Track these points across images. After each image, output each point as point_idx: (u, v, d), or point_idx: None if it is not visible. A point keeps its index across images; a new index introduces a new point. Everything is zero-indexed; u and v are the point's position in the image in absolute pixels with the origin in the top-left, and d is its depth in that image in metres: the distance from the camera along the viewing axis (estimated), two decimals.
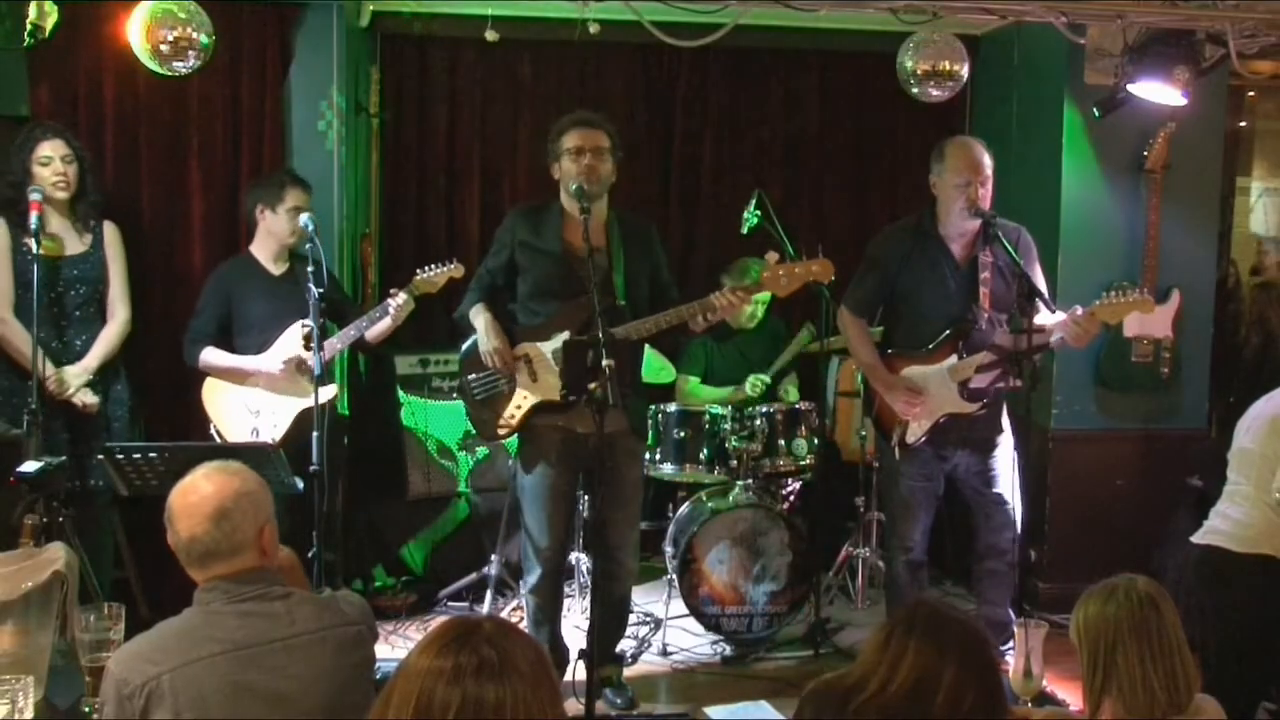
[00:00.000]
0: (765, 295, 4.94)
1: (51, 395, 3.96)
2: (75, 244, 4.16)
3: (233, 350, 4.19)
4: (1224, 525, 3.47)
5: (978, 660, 1.87)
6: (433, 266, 4.09)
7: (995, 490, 4.01)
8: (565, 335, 3.66)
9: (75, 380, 4.06)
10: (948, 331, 3.93)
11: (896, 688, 1.84)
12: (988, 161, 3.88)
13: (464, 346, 3.91)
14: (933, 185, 3.98)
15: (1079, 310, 3.77)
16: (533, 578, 3.88)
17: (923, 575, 4.19)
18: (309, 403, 4.07)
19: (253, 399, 4.18)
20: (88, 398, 4.09)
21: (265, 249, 4.26)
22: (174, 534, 2.17)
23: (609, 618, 3.95)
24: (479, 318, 3.80)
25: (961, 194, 3.84)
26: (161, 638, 2.09)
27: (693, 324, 3.67)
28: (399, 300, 4.05)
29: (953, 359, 3.91)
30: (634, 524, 3.98)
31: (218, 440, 4.20)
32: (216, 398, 4.22)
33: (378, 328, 4.13)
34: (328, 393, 4.10)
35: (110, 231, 4.24)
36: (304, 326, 3.97)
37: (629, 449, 3.83)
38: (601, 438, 3.22)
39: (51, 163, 4.04)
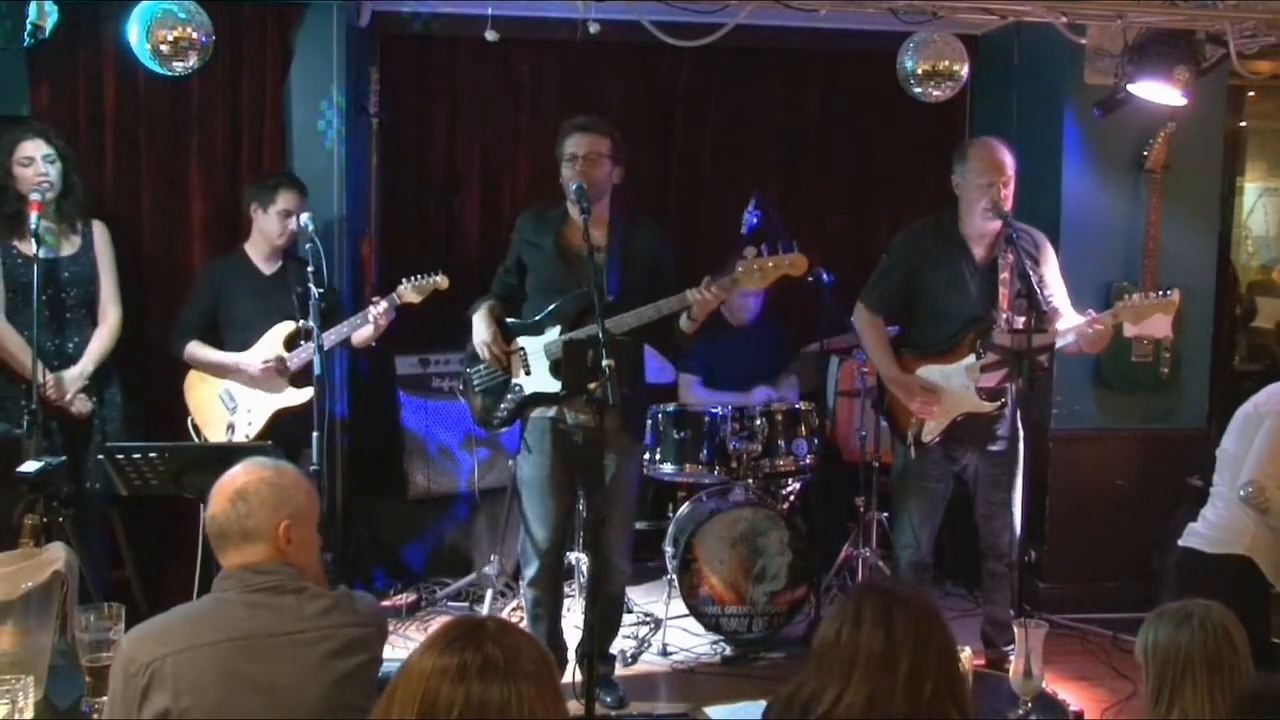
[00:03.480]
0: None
1: (48, 400, 3.93)
2: (64, 245, 4.13)
3: (219, 346, 4.22)
4: (1201, 527, 3.51)
5: (932, 644, 1.84)
6: (418, 277, 4.09)
7: (1002, 493, 4.01)
8: (557, 329, 3.75)
9: (72, 385, 4.04)
10: (966, 331, 3.94)
11: (851, 698, 1.80)
12: (1010, 162, 3.90)
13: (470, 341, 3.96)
14: (955, 186, 3.99)
15: (1091, 313, 3.82)
16: (531, 570, 3.88)
17: (927, 576, 4.21)
18: (286, 401, 4.14)
19: (231, 395, 4.22)
20: (84, 405, 4.07)
21: (257, 248, 4.28)
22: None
23: (602, 617, 3.96)
24: (477, 313, 3.89)
25: (984, 195, 3.85)
26: (172, 620, 2.11)
27: (683, 324, 3.69)
28: (379, 309, 4.06)
29: (971, 359, 3.93)
30: (626, 524, 3.97)
31: (194, 434, 4.23)
32: (197, 391, 4.26)
33: (360, 334, 4.14)
34: (302, 395, 4.13)
35: (99, 231, 4.20)
36: (298, 325, 4.05)
37: (621, 446, 3.83)
38: (602, 438, 3.22)
39: (33, 163, 4.00)
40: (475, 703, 1.53)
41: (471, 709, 1.53)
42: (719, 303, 3.65)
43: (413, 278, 4.09)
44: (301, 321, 4.04)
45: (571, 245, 3.77)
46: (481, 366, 3.89)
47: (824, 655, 1.87)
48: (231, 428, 4.18)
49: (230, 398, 4.21)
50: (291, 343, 4.15)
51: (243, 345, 4.19)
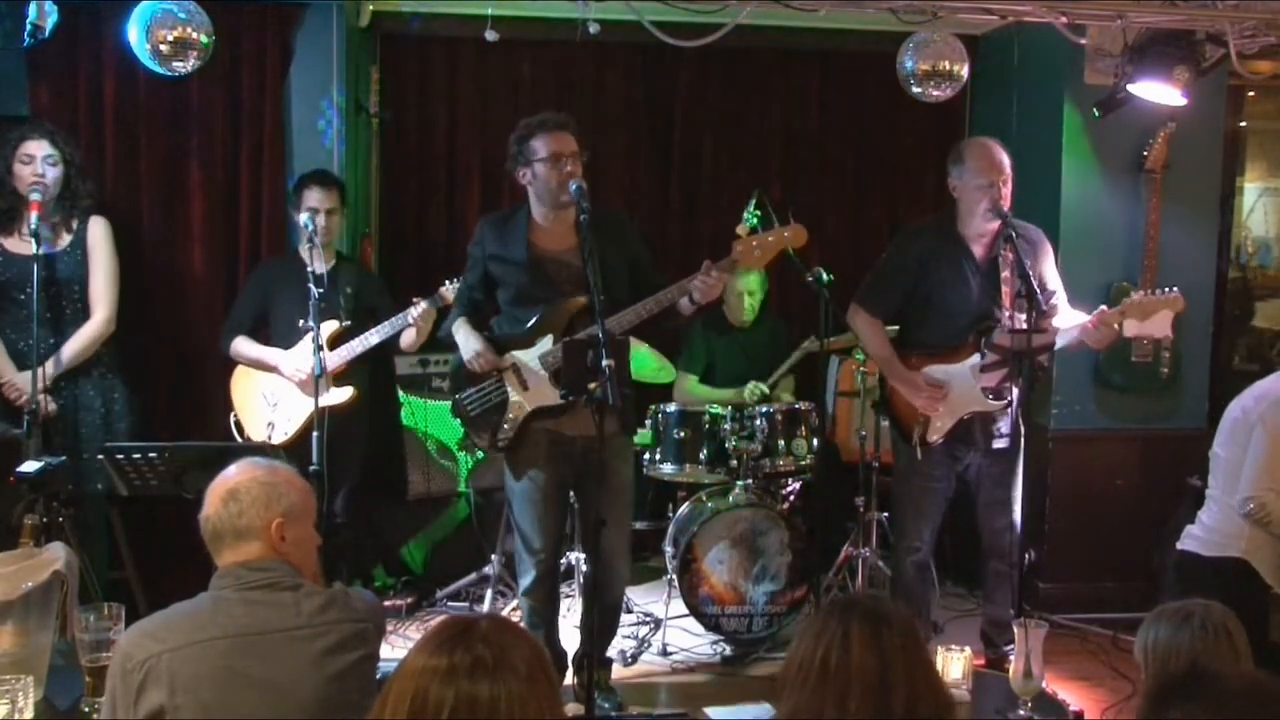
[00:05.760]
0: (755, 286, 4.94)
1: (10, 402, 3.91)
2: (56, 242, 4.09)
3: (268, 343, 4.28)
4: (1197, 530, 3.51)
5: (919, 664, 1.74)
6: (460, 279, 4.09)
7: (1003, 491, 4.01)
8: (549, 339, 3.67)
9: (29, 387, 3.91)
10: (970, 331, 3.94)
11: None
12: (1007, 161, 3.89)
13: (452, 362, 3.86)
14: (952, 188, 3.97)
15: (1104, 309, 3.80)
16: (526, 580, 3.84)
17: (928, 575, 4.21)
18: (327, 401, 4.12)
19: (272, 391, 4.26)
20: (48, 405, 3.95)
21: (306, 248, 4.28)
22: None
23: (602, 622, 3.93)
24: (460, 330, 3.77)
25: (985, 195, 3.84)
26: (170, 617, 2.11)
27: (680, 308, 3.64)
28: (419, 310, 4.12)
29: (975, 358, 3.92)
30: (625, 527, 3.91)
31: (235, 429, 4.30)
32: (241, 387, 4.33)
33: (406, 337, 4.21)
34: (342, 394, 4.20)
35: (95, 229, 4.14)
36: (342, 324, 4.15)
37: (618, 449, 3.79)
38: (602, 439, 3.21)
39: (32, 162, 4.01)
40: (465, 702, 1.53)
41: (460, 708, 1.53)
42: (721, 286, 3.61)
43: (455, 279, 4.10)
44: (346, 323, 4.17)
45: (547, 250, 3.69)
46: (472, 390, 3.76)
47: (809, 679, 1.72)
48: (271, 426, 4.23)
49: (271, 396, 4.25)
50: (336, 342, 4.18)
51: (289, 344, 4.23)
